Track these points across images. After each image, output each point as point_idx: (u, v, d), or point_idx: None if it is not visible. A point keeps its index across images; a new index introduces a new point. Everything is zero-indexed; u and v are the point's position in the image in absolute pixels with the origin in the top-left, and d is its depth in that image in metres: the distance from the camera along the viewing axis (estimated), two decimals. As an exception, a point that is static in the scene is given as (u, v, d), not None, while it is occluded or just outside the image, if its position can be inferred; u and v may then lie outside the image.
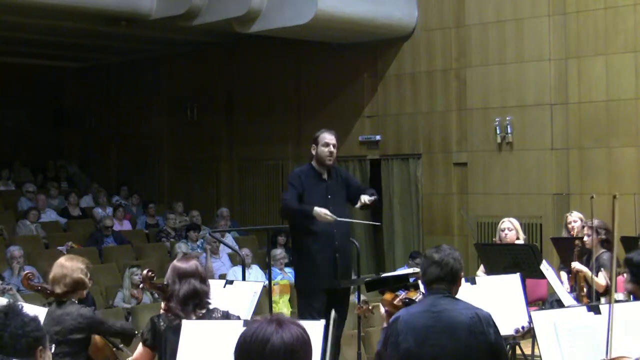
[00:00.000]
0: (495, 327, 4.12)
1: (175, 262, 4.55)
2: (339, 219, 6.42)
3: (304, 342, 2.65)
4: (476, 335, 4.03)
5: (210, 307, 4.44)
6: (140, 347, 4.50)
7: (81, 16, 11.72)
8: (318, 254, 6.49)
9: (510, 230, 7.51)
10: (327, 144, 6.56)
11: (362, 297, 7.79)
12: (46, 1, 10.89)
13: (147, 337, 4.44)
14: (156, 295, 9.79)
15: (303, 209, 6.44)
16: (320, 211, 6.34)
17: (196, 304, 4.38)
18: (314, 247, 6.49)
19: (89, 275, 5.08)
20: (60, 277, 4.96)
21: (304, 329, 2.67)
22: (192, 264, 4.50)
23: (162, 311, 4.52)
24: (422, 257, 4.26)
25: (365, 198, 6.48)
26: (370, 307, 6.47)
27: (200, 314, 4.37)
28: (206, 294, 4.43)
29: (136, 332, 5.03)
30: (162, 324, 4.40)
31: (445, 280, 4.14)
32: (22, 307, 3.02)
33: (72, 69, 17.08)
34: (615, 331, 3.87)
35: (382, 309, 5.07)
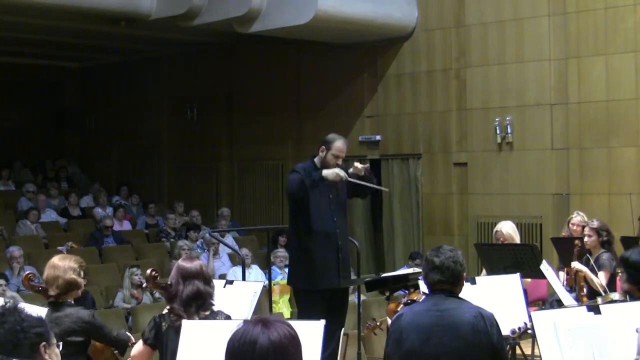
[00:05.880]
0: (498, 327, 4.13)
1: (180, 262, 4.51)
2: (349, 178, 6.38)
3: (292, 339, 2.64)
4: (479, 335, 4.04)
5: (215, 309, 4.41)
6: (140, 345, 4.47)
7: (81, 16, 11.72)
8: (321, 253, 6.44)
9: (506, 240, 7.37)
10: (337, 156, 6.47)
11: (364, 298, 7.78)
12: (46, 1, 10.88)
13: (148, 336, 4.41)
14: (157, 295, 9.79)
15: (312, 176, 6.35)
16: (329, 171, 6.30)
17: (199, 305, 4.34)
18: (317, 246, 6.45)
19: (82, 274, 4.99)
20: (52, 278, 4.83)
21: (290, 326, 2.66)
22: (196, 264, 4.46)
23: (165, 311, 4.49)
24: (423, 259, 4.26)
25: (357, 164, 6.47)
26: (378, 324, 6.44)
27: (203, 316, 4.33)
28: (210, 296, 4.39)
29: (131, 342, 4.96)
30: (164, 323, 4.38)
31: (447, 282, 4.17)
32: (22, 306, 2.99)
33: (72, 69, 17.08)
34: (616, 331, 3.87)
35: (389, 320, 5.04)
